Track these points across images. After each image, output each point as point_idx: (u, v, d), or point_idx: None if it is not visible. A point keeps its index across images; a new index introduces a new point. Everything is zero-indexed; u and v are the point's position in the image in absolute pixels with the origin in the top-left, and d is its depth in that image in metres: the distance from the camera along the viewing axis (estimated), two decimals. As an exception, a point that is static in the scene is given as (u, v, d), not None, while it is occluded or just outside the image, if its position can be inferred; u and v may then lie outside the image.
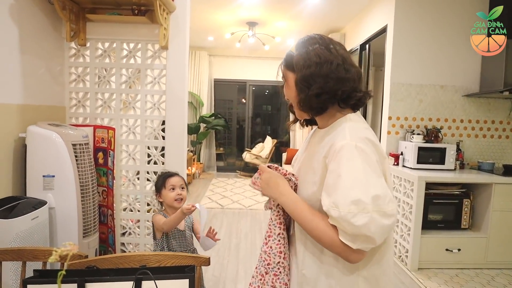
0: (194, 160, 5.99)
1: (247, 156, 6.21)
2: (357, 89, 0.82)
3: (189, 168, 5.52)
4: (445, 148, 2.83)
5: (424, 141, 2.90)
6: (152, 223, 1.54)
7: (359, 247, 0.71)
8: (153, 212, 2.15)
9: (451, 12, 2.95)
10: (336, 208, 0.71)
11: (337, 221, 0.71)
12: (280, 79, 0.93)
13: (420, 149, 2.80)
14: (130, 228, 2.21)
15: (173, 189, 1.53)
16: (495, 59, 2.78)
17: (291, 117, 0.99)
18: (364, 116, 3.95)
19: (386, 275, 0.83)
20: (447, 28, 2.96)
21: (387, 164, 0.81)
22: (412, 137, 2.92)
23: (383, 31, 3.19)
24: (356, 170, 0.71)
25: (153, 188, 1.64)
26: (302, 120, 0.95)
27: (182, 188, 1.56)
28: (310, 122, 0.96)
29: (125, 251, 2.21)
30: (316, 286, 0.83)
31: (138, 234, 2.21)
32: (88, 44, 2.11)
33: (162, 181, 1.55)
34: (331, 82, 0.79)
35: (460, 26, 2.94)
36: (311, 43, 0.84)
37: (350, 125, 0.79)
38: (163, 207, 1.58)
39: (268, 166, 0.90)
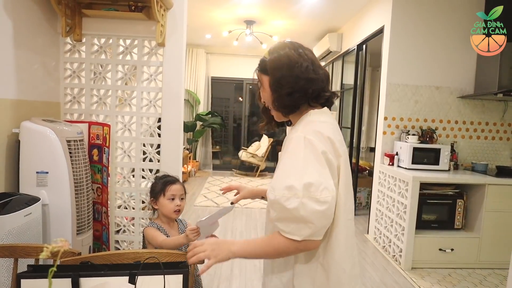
0: (190, 158, 5.97)
1: (243, 155, 6.21)
2: (325, 89, 0.89)
3: (185, 166, 5.50)
4: (439, 149, 2.85)
5: (419, 141, 2.92)
6: (143, 235, 1.36)
7: (303, 237, 0.78)
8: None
9: (447, 15, 2.97)
10: (273, 192, 0.80)
11: (272, 203, 0.80)
12: (256, 83, 0.98)
13: (415, 149, 2.82)
14: (124, 226, 2.21)
15: (173, 199, 1.36)
16: (490, 62, 2.81)
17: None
18: (360, 116, 3.96)
19: (338, 262, 0.85)
20: (443, 30, 2.98)
21: (344, 159, 0.85)
22: (407, 137, 2.94)
23: (380, 32, 3.21)
24: (296, 158, 0.79)
25: (149, 191, 1.43)
26: (274, 122, 1.00)
27: (182, 198, 1.39)
28: (288, 123, 1.01)
29: (119, 249, 2.20)
30: (283, 274, 0.90)
31: (133, 232, 2.20)
32: (83, 40, 2.09)
33: (161, 187, 1.37)
34: (302, 81, 0.86)
35: (456, 29, 2.96)
36: (281, 48, 0.90)
37: (306, 121, 0.87)
38: (155, 214, 1.42)
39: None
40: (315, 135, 0.81)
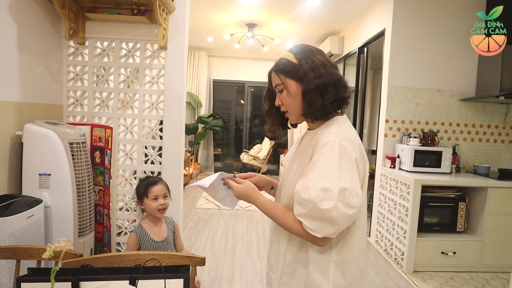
0: (191, 161, 5.98)
1: (244, 157, 6.22)
2: (349, 95, 0.91)
3: (186, 168, 5.51)
4: (441, 152, 2.84)
5: (421, 144, 2.91)
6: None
7: (324, 235, 0.81)
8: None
9: (448, 17, 2.98)
10: (307, 191, 0.80)
11: (305, 201, 0.81)
12: (270, 84, 0.96)
13: (417, 152, 2.82)
14: (126, 228, 2.21)
15: (156, 198, 1.46)
16: (491, 64, 2.81)
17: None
18: (362, 119, 3.97)
19: (355, 258, 0.90)
20: (444, 33, 2.99)
21: (367, 166, 0.89)
22: (409, 140, 2.93)
23: (381, 34, 3.21)
24: (331, 162, 0.80)
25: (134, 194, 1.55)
26: (280, 125, 1.01)
27: (165, 196, 1.49)
28: (294, 125, 1.02)
29: (120, 251, 2.21)
30: (295, 272, 0.92)
31: (134, 234, 2.20)
32: (87, 43, 2.11)
33: (144, 189, 1.48)
34: (341, 90, 0.87)
35: (457, 31, 2.97)
36: (312, 54, 0.88)
37: (337, 126, 0.87)
38: (144, 213, 1.54)
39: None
40: (348, 142, 0.82)
